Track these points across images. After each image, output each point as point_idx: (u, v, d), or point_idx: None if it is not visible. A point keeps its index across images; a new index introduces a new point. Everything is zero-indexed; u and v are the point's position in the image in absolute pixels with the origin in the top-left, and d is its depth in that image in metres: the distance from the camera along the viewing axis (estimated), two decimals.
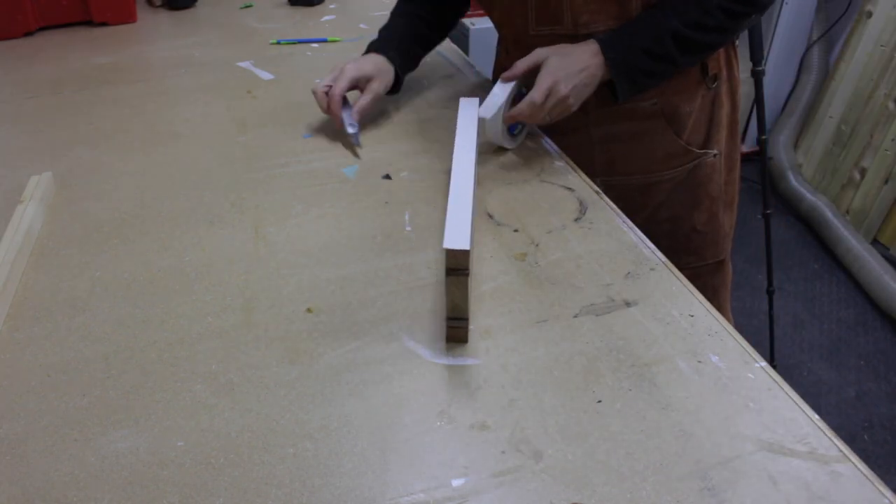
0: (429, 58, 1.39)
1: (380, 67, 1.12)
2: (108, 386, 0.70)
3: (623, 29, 0.98)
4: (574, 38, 1.01)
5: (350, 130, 1.09)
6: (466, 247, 0.67)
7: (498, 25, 1.16)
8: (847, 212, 2.47)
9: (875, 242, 2.37)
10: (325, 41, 1.48)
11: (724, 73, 1.12)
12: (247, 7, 1.69)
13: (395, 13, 1.23)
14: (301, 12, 1.65)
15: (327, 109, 1.10)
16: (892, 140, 2.27)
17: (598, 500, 0.59)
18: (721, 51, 1.10)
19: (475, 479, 0.61)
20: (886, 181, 2.30)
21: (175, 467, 0.62)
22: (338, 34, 1.51)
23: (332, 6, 1.68)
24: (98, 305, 0.80)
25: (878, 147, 2.33)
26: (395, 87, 1.17)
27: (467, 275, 0.69)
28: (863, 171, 2.40)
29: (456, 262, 0.68)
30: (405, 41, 1.19)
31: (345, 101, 1.10)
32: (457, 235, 0.69)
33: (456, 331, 0.74)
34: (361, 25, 1.56)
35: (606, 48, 0.96)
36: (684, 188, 1.15)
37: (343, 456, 0.63)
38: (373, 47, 1.17)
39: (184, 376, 0.71)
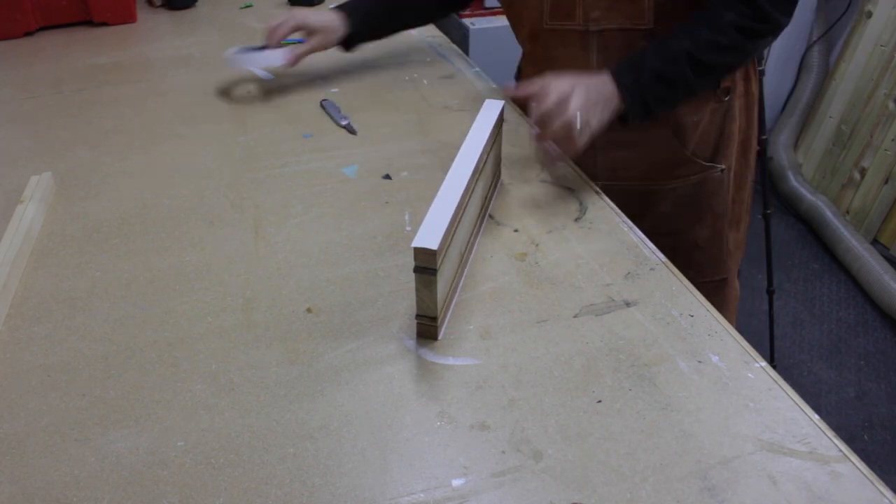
0: (429, 57, 1.39)
1: (330, 24, 1.17)
2: (108, 386, 0.70)
3: (635, 54, 0.94)
4: (585, 34, 1.02)
5: (262, 65, 1.23)
6: (434, 246, 0.67)
7: (515, 19, 1.14)
8: (847, 212, 2.47)
9: (875, 242, 2.36)
10: None
11: (741, 87, 1.09)
12: (247, 7, 1.69)
13: None
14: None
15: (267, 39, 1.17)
16: (892, 140, 2.27)
17: (598, 500, 0.59)
18: None
19: (475, 479, 0.61)
20: (886, 181, 2.30)
21: (175, 467, 0.62)
22: None
23: (331, 6, 1.68)
24: (98, 305, 0.80)
25: (878, 147, 2.33)
26: (346, 46, 1.23)
27: (434, 273, 0.69)
28: (863, 171, 2.40)
29: (423, 261, 0.69)
30: (375, 5, 1.23)
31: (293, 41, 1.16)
32: (428, 235, 0.69)
33: (425, 328, 0.74)
34: None
35: (618, 75, 0.92)
36: (688, 202, 1.14)
37: (343, 456, 0.63)
38: (341, 6, 1.21)
39: (184, 376, 0.71)
